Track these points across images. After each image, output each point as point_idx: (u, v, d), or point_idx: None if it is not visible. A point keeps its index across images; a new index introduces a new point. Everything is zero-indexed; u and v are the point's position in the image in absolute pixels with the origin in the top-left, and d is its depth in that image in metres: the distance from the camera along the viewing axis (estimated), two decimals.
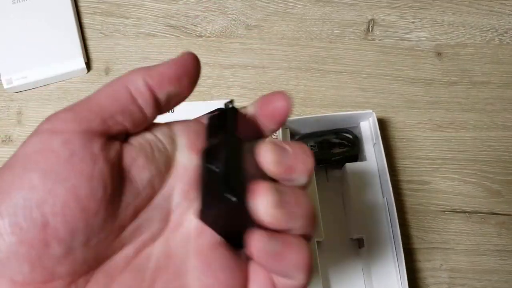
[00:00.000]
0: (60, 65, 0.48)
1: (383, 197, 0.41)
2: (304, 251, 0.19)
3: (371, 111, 0.42)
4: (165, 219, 0.20)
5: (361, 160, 0.43)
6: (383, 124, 0.48)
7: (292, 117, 0.42)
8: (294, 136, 0.45)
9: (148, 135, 0.21)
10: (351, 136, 0.44)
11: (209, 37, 0.51)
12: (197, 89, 0.52)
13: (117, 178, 0.19)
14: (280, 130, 0.42)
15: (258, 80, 0.49)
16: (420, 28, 0.52)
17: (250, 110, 0.23)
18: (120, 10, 0.52)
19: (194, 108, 0.42)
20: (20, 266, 0.17)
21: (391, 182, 0.40)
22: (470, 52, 0.51)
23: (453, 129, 0.48)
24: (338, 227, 0.42)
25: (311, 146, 0.44)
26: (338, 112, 0.46)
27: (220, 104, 0.42)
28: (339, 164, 0.43)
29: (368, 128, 0.44)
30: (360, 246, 0.41)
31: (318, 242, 0.39)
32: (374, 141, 0.43)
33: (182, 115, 0.42)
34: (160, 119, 0.43)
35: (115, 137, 0.20)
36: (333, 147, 0.45)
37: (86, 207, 0.17)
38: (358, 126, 0.44)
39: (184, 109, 0.42)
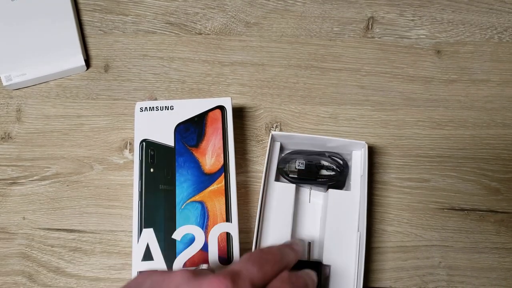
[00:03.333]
0: (59, 62, 0.48)
1: (358, 231, 0.40)
2: None
3: (364, 142, 0.41)
4: None
5: (347, 189, 0.43)
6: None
7: (285, 132, 0.42)
8: (284, 150, 0.45)
9: None
10: (341, 162, 0.44)
11: (208, 34, 0.51)
12: (196, 86, 0.53)
13: None
14: (269, 143, 0.41)
15: (258, 77, 0.49)
16: (419, 26, 0.52)
17: None
18: (119, 7, 0.52)
19: (193, 105, 0.42)
20: None
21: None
22: (470, 50, 0.51)
23: (452, 127, 0.48)
24: (312, 249, 0.42)
25: (299, 163, 0.43)
26: (332, 136, 0.46)
27: (218, 101, 0.42)
28: (324, 186, 0.43)
29: (359, 159, 0.43)
30: (328, 273, 0.40)
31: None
32: (361, 173, 0.42)
33: (181, 112, 0.42)
34: (159, 116, 0.43)
35: None
36: (321, 169, 0.44)
37: None
38: (350, 154, 0.44)
39: (183, 106, 0.42)
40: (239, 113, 0.48)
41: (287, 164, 0.43)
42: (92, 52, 0.50)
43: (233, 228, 0.39)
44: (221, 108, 0.42)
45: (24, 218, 0.45)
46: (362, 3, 0.52)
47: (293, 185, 0.42)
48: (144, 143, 0.41)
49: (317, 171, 0.44)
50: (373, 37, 0.51)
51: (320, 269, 0.39)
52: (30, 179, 0.46)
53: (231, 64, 0.50)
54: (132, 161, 0.46)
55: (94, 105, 0.48)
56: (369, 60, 0.50)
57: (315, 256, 0.42)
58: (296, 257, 0.31)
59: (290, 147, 0.45)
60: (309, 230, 0.43)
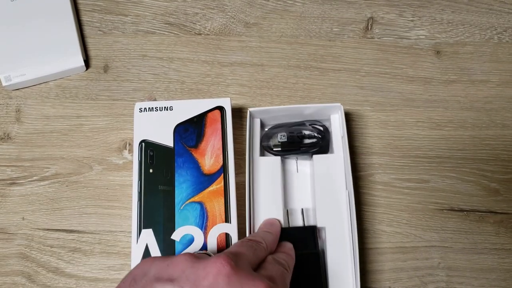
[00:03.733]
0: (58, 63, 0.48)
1: (346, 189, 0.41)
2: None
3: (339, 104, 0.42)
4: None
5: (331, 152, 0.44)
6: (381, 123, 0.48)
7: (262, 107, 0.42)
8: (265, 126, 0.46)
9: None
10: (321, 128, 0.44)
11: (208, 34, 0.51)
12: (195, 86, 0.53)
13: None
14: (248, 120, 0.42)
15: (257, 78, 0.49)
16: (419, 27, 0.52)
17: None
18: (119, 7, 0.52)
19: (193, 106, 0.42)
20: None
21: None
22: (469, 50, 0.51)
23: (451, 127, 0.48)
24: (305, 216, 0.43)
25: (281, 136, 0.44)
26: (308, 104, 0.47)
27: (217, 102, 0.42)
28: (309, 154, 0.44)
29: (337, 121, 0.44)
30: (324, 235, 0.41)
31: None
32: (342, 134, 0.43)
33: (180, 112, 0.42)
34: (159, 117, 0.43)
35: None
36: (304, 138, 0.45)
37: None
38: (329, 119, 0.45)
39: (182, 106, 0.42)
40: (239, 113, 0.48)
41: (270, 139, 0.44)
42: (92, 53, 0.50)
43: (232, 228, 0.39)
44: (220, 109, 0.42)
45: (23, 219, 0.45)
46: (362, 3, 0.52)
47: (278, 158, 0.43)
48: (143, 143, 0.41)
49: (300, 141, 0.44)
50: (372, 38, 0.51)
51: (315, 232, 0.40)
52: (30, 179, 0.46)
53: (231, 65, 0.50)
54: (132, 162, 0.46)
55: (94, 105, 0.48)
56: (369, 61, 0.50)
57: (310, 221, 0.42)
58: (275, 239, 0.37)
59: (271, 123, 0.45)
60: (300, 199, 0.44)
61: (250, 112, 0.42)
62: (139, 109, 0.42)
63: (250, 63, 0.50)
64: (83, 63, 0.49)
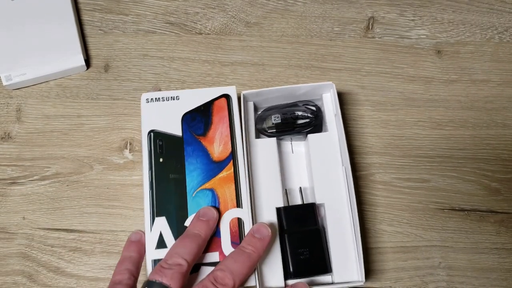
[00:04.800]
0: (59, 62, 0.48)
1: (342, 165, 0.42)
2: None
3: (331, 82, 0.43)
4: None
5: (325, 130, 0.44)
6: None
7: (254, 89, 0.43)
8: (258, 109, 0.46)
9: None
10: (314, 108, 0.45)
11: (208, 34, 0.51)
12: (196, 86, 0.52)
13: None
14: (242, 104, 0.42)
15: (258, 77, 0.49)
16: (420, 26, 0.52)
17: None
18: (119, 7, 0.52)
19: (199, 95, 0.43)
20: None
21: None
22: (470, 50, 0.51)
23: (452, 127, 0.48)
24: (304, 195, 0.44)
25: (275, 118, 0.44)
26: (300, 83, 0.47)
27: (223, 90, 0.43)
28: (303, 134, 0.44)
29: (329, 100, 0.45)
30: (323, 212, 0.42)
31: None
32: (335, 112, 0.43)
33: (187, 102, 0.42)
34: (166, 106, 0.43)
35: None
36: (297, 119, 0.45)
37: None
38: (321, 98, 0.45)
39: (189, 95, 0.43)
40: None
41: (264, 122, 0.44)
42: (92, 52, 0.50)
43: (244, 213, 0.39)
44: (226, 97, 0.42)
45: (24, 218, 0.45)
46: (363, 3, 0.52)
47: (274, 139, 0.43)
48: (152, 133, 0.41)
49: (294, 121, 0.45)
50: (373, 37, 0.51)
51: (315, 209, 0.41)
52: (30, 179, 0.46)
53: (231, 64, 0.50)
54: (133, 161, 0.46)
55: (94, 105, 0.48)
56: (370, 60, 0.50)
57: (308, 199, 0.43)
58: (209, 229, 0.37)
59: (264, 105, 0.46)
60: (298, 178, 0.45)
61: (243, 95, 0.43)
62: (146, 99, 0.42)
63: (251, 62, 0.50)
64: (83, 63, 0.49)
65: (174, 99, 0.42)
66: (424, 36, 0.51)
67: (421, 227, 0.45)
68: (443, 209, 0.45)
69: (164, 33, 0.51)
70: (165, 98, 0.42)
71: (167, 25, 0.51)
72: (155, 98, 0.42)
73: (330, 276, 0.40)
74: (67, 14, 0.49)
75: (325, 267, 0.39)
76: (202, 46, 0.50)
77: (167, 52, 0.50)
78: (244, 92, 0.42)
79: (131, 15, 0.52)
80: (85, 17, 0.52)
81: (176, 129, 0.41)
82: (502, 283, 0.43)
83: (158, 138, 0.41)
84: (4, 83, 0.47)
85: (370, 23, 0.52)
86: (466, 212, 0.45)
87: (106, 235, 0.44)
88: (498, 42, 0.51)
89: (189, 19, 0.52)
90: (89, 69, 0.50)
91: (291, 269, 0.39)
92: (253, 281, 0.37)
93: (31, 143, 0.47)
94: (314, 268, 0.39)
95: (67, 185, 0.46)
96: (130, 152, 0.47)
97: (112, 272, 0.43)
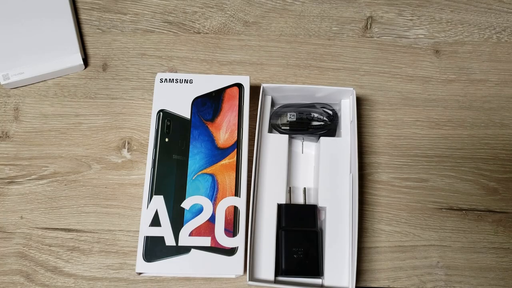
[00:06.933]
0: (57, 61, 0.48)
1: (350, 173, 0.42)
2: None
3: (352, 88, 0.43)
4: None
5: (338, 136, 0.44)
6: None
7: (275, 84, 0.43)
8: (275, 105, 0.46)
9: None
10: (331, 112, 0.45)
11: (207, 33, 0.51)
12: None
13: None
14: (260, 96, 0.43)
15: (256, 77, 0.49)
16: (418, 26, 0.52)
17: None
18: (117, 6, 0.52)
19: (212, 81, 0.43)
20: None
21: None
22: (468, 50, 0.51)
23: (450, 126, 0.48)
24: (307, 196, 0.44)
25: (290, 115, 0.44)
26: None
27: (237, 79, 0.43)
28: (316, 136, 0.45)
29: (348, 106, 0.45)
30: (324, 215, 0.42)
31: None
32: (351, 119, 0.44)
33: (200, 86, 0.43)
34: (178, 88, 0.43)
35: None
36: (312, 120, 0.46)
37: None
38: (339, 103, 0.45)
39: (202, 80, 0.43)
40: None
41: (279, 118, 0.45)
42: (90, 51, 0.50)
43: (241, 202, 0.39)
44: (239, 86, 0.43)
45: (21, 218, 0.45)
46: (361, 2, 0.52)
47: (286, 136, 0.44)
48: (161, 113, 0.42)
49: (308, 122, 0.45)
50: (371, 37, 0.51)
51: (316, 211, 0.41)
52: (28, 178, 0.46)
53: (230, 63, 0.50)
54: (131, 160, 0.46)
55: (92, 104, 0.48)
56: (368, 60, 0.50)
57: (311, 201, 0.44)
58: None
59: (281, 102, 0.46)
60: (303, 178, 0.45)
61: (263, 87, 0.43)
62: (160, 79, 0.43)
63: (249, 62, 0.50)
64: (81, 62, 0.48)
65: (187, 82, 0.43)
66: (423, 36, 0.51)
67: (419, 227, 0.45)
68: (441, 209, 0.45)
69: (162, 32, 0.51)
70: (178, 80, 0.43)
71: (165, 24, 0.51)
72: (169, 79, 0.43)
73: (321, 279, 0.40)
74: (65, 13, 0.49)
75: (317, 270, 0.39)
76: (201, 45, 0.50)
77: (165, 51, 0.50)
78: (264, 84, 0.43)
79: (129, 14, 0.52)
80: (83, 16, 0.51)
81: (185, 112, 0.42)
82: (500, 282, 0.43)
83: (167, 118, 0.42)
84: (2, 82, 0.47)
85: (369, 23, 0.52)
86: (464, 211, 0.45)
87: (104, 234, 0.44)
88: (496, 42, 0.51)
89: (188, 18, 0.52)
90: (87, 68, 0.50)
91: (283, 266, 0.39)
92: (241, 270, 0.37)
93: (29, 142, 0.47)
94: (306, 269, 0.39)
95: (65, 185, 0.46)
96: (128, 152, 0.47)
97: (110, 271, 0.43)
